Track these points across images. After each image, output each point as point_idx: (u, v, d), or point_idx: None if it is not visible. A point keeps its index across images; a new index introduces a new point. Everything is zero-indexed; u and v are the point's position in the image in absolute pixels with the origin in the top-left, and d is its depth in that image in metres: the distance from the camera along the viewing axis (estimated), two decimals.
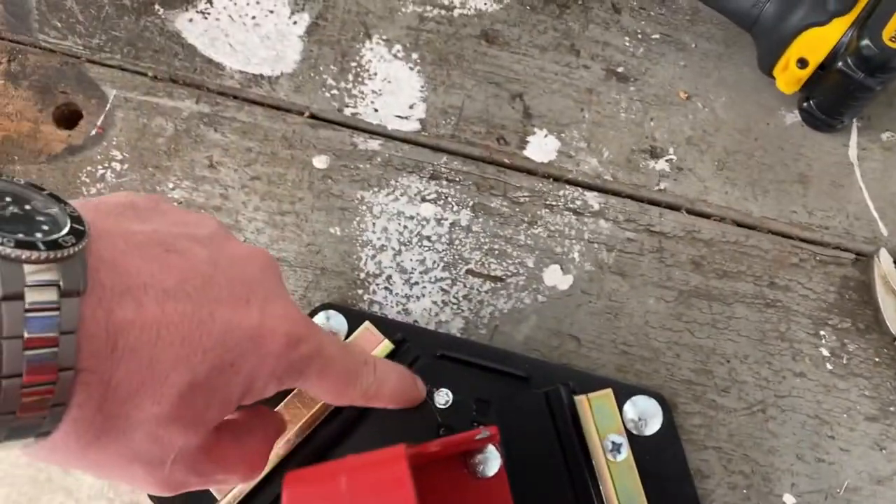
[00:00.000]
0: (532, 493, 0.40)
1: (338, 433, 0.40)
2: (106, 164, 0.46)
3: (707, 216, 0.45)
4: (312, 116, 0.47)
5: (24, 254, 0.21)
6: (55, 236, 0.22)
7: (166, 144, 0.46)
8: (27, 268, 0.21)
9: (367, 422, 0.41)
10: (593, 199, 0.45)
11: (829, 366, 0.43)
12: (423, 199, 0.45)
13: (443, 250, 0.44)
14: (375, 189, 0.45)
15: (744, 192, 0.45)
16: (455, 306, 0.44)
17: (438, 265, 0.44)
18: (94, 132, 0.46)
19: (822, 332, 0.43)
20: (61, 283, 0.22)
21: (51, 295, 0.22)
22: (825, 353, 0.43)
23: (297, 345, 0.29)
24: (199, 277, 0.26)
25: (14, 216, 0.22)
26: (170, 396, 0.25)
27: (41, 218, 0.23)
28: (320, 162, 0.46)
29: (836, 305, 0.43)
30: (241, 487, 0.37)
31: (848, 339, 0.43)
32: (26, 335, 0.21)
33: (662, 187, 0.45)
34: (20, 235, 0.22)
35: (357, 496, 0.21)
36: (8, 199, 0.23)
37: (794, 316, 0.43)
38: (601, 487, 0.39)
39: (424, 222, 0.45)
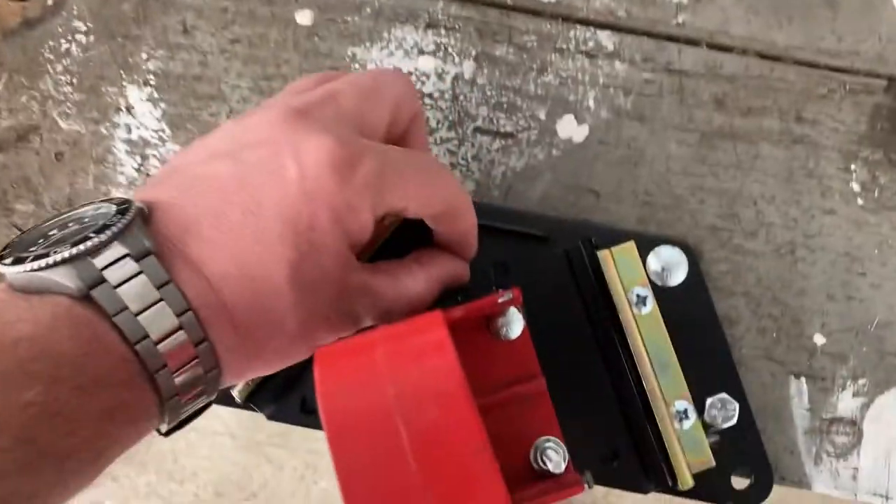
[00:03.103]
0: (558, 352, 0.39)
1: None
2: (69, 37, 0.41)
3: (729, 49, 0.41)
4: None
5: (82, 247, 0.24)
6: (103, 222, 0.25)
7: (133, 10, 0.41)
8: (93, 258, 0.24)
9: None
10: (607, 39, 0.41)
11: (859, 201, 0.41)
12: (421, 52, 0.41)
13: (447, 108, 0.41)
14: (367, 44, 0.41)
15: (768, 19, 0.42)
16: (464, 168, 0.41)
17: (443, 125, 0.41)
18: (51, 1, 0.41)
19: (852, 167, 0.41)
20: (130, 252, 0.24)
21: (127, 265, 0.24)
22: (856, 187, 0.41)
23: (352, 165, 0.27)
24: (231, 182, 0.27)
25: (73, 232, 0.25)
26: (283, 288, 0.26)
27: (90, 222, 0.26)
28: (304, 17, 0.41)
29: (867, 137, 0.41)
30: None
31: (879, 171, 0.41)
32: (130, 305, 0.24)
33: (681, 20, 0.42)
34: (75, 238, 0.24)
35: (396, 367, 0.19)
36: (71, 224, 0.26)
37: (822, 151, 0.41)
38: (629, 341, 0.38)
39: (424, 78, 0.41)
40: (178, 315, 0.25)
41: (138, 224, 0.25)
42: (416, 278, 0.33)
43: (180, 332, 0.25)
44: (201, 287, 0.26)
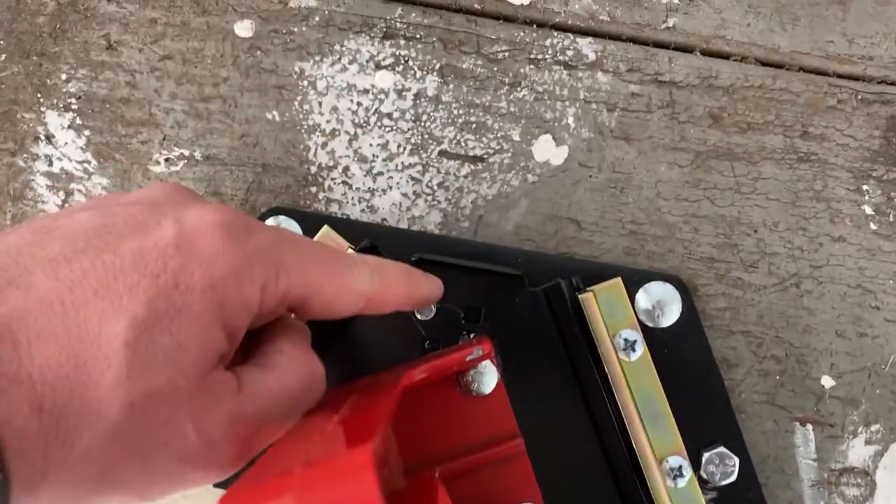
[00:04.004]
0: (537, 405, 0.35)
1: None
2: None
3: (726, 56, 0.37)
4: None
5: None
6: None
7: (49, 24, 0.36)
8: None
9: (341, 344, 0.35)
10: (588, 47, 0.37)
11: (872, 225, 0.36)
12: (378, 66, 0.36)
13: (408, 129, 0.36)
14: (317, 58, 0.36)
15: (769, 22, 0.37)
16: (430, 197, 0.36)
17: (405, 148, 0.36)
18: None
19: (864, 187, 0.36)
20: None
21: None
22: (868, 210, 0.36)
23: (244, 231, 0.23)
24: (88, 232, 0.22)
25: None
26: (116, 354, 0.20)
27: None
28: (243, 29, 0.36)
29: (882, 153, 0.36)
30: None
31: (895, 192, 0.36)
32: None
33: (671, 24, 0.37)
34: None
35: None
36: None
37: (831, 170, 0.36)
38: (615, 392, 0.34)
39: (382, 96, 0.36)
40: None
41: None
42: (296, 362, 0.26)
43: None
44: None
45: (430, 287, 0.30)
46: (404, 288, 0.29)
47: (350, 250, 0.33)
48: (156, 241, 0.22)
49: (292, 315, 0.28)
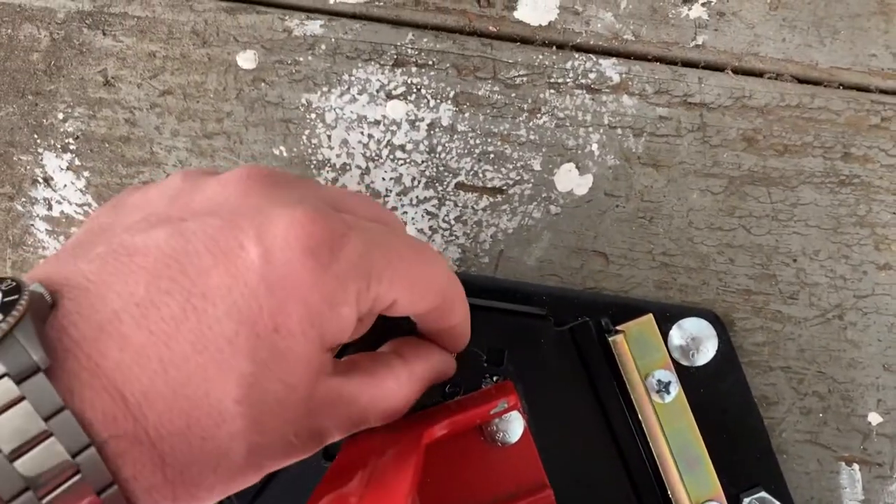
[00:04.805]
0: (567, 452, 0.33)
1: None
2: None
3: (760, 74, 0.34)
4: None
5: None
6: None
7: (44, 61, 0.35)
8: None
9: None
10: (611, 69, 0.34)
11: None
12: (389, 96, 0.34)
13: (423, 162, 0.34)
14: (325, 89, 0.34)
15: (806, 36, 0.34)
16: (447, 232, 0.34)
17: (420, 182, 0.34)
18: None
19: None
20: (8, 369, 0.18)
21: (3, 388, 0.18)
22: None
23: (333, 251, 0.22)
24: (169, 262, 0.21)
25: None
26: (229, 411, 0.21)
27: None
28: (246, 60, 0.34)
29: None
30: None
31: None
32: (3, 447, 0.18)
33: (700, 42, 0.34)
34: None
35: None
36: None
37: (875, 193, 0.34)
38: (648, 436, 0.32)
39: (395, 127, 0.34)
40: (75, 454, 0.19)
41: (27, 325, 0.19)
42: (399, 379, 0.27)
43: (76, 478, 0.19)
44: (114, 410, 0.20)
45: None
46: (462, 304, 0.28)
47: None
48: (245, 277, 0.21)
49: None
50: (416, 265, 0.25)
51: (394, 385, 0.27)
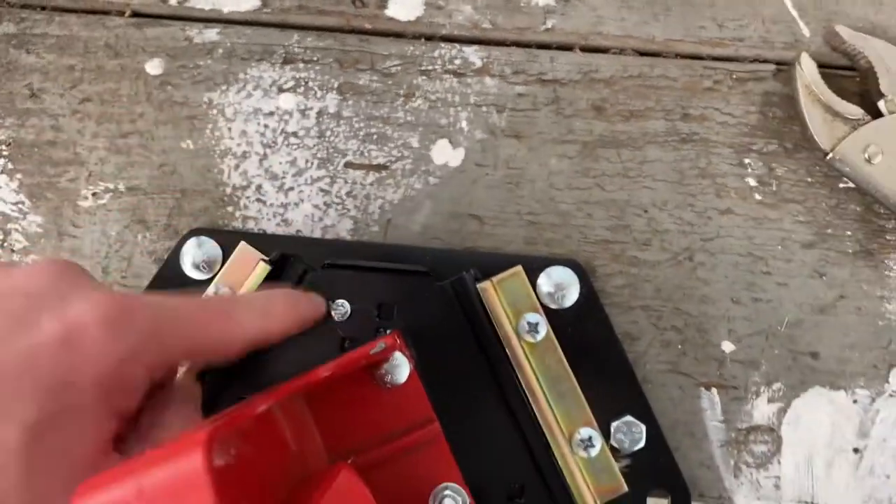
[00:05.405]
0: (454, 392, 0.37)
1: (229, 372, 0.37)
2: None
3: (604, 50, 0.39)
4: (135, 14, 0.40)
5: None
6: None
7: None
8: None
9: (266, 354, 0.37)
10: (474, 55, 0.39)
11: (757, 196, 0.38)
12: (281, 90, 0.39)
13: (314, 145, 0.39)
14: (223, 87, 0.39)
15: (643, 14, 0.39)
16: (339, 206, 0.39)
17: (312, 163, 0.39)
18: None
19: (746, 161, 0.39)
20: None
21: None
22: (752, 182, 0.38)
23: (125, 319, 0.24)
24: None
25: None
26: (10, 461, 0.21)
27: None
28: (154, 67, 0.39)
29: (760, 127, 0.39)
30: None
31: (776, 162, 0.39)
32: None
33: (549, 25, 0.39)
34: None
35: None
36: None
37: (713, 148, 0.39)
38: (518, 372, 0.36)
39: (287, 116, 0.39)
40: None
41: None
42: (174, 431, 0.27)
43: None
44: None
45: (314, 307, 0.33)
46: (292, 316, 0.31)
47: (260, 264, 0.36)
48: (41, 340, 0.22)
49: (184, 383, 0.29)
50: (215, 327, 0.27)
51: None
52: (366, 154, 0.39)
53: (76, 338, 0.23)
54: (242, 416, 0.24)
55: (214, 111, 0.39)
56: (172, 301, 0.27)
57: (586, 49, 0.39)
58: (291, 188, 0.39)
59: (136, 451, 0.25)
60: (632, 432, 0.37)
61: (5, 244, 0.39)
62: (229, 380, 0.37)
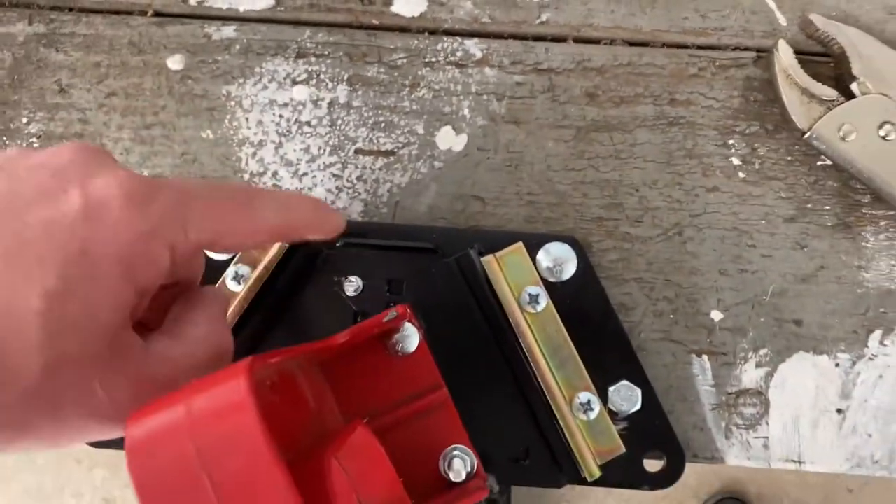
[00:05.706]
0: (461, 361, 0.39)
1: (251, 336, 0.39)
2: None
3: (596, 41, 0.42)
4: (157, 14, 0.42)
5: None
6: None
7: (8, 76, 0.42)
8: None
9: (282, 324, 0.40)
10: (474, 47, 0.42)
11: (741, 174, 0.41)
12: (294, 82, 0.42)
13: (326, 133, 0.42)
14: (240, 80, 0.42)
15: (630, 6, 0.42)
16: (350, 190, 0.42)
17: (325, 150, 0.42)
18: None
19: (730, 141, 0.41)
20: None
21: None
22: (736, 161, 0.41)
23: (148, 197, 0.24)
24: None
25: None
26: (30, 324, 0.21)
27: None
28: (175, 62, 0.42)
29: (742, 110, 0.41)
30: None
31: (758, 143, 0.41)
32: None
33: (544, 19, 0.42)
34: None
35: (199, 426, 0.20)
36: None
37: (699, 130, 0.41)
38: (521, 340, 0.39)
39: (301, 107, 0.42)
40: None
41: None
42: (207, 334, 0.28)
43: None
44: None
45: (335, 216, 0.32)
46: (312, 215, 0.30)
47: (277, 244, 0.38)
48: (64, 210, 0.23)
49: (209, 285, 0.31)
50: (237, 213, 0.27)
51: (197, 337, 0.27)
52: (374, 141, 0.42)
53: (99, 210, 0.23)
54: (275, 356, 0.26)
55: (232, 103, 0.42)
56: (196, 184, 0.27)
57: (579, 40, 0.42)
58: (305, 174, 0.41)
59: (161, 342, 0.26)
60: (628, 396, 0.39)
61: None
62: (252, 350, 0.40)
